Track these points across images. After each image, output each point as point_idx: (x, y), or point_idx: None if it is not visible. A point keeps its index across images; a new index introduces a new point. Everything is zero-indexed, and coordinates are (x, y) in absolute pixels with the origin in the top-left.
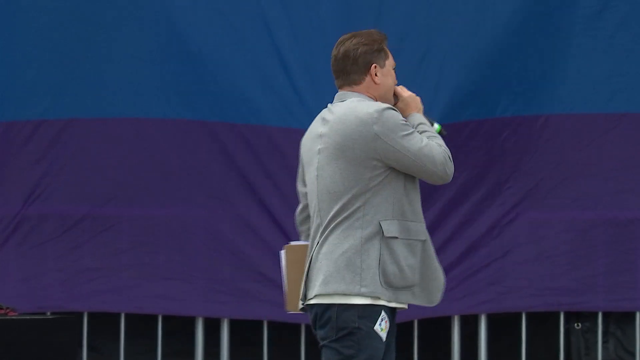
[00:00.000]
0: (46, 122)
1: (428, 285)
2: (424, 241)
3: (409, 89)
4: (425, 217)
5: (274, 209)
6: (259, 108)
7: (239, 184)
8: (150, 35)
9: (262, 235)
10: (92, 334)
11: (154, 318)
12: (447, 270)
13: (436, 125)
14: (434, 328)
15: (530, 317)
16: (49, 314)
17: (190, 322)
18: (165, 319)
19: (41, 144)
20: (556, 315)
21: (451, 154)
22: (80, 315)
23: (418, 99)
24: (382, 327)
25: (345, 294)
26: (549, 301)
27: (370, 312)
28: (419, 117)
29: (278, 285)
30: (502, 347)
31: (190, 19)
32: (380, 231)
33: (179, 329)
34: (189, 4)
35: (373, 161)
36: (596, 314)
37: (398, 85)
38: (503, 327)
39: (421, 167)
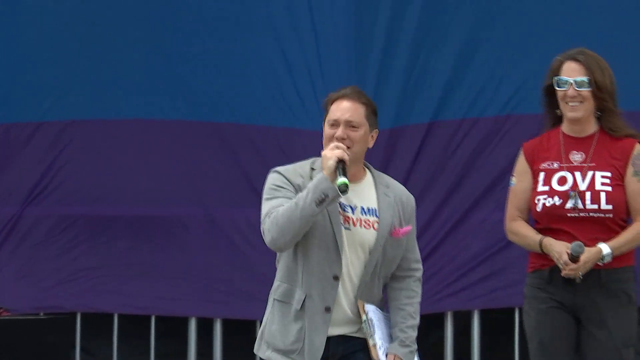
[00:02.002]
0: (46, 124)
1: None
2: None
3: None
4: (418, 215)
5: None
6: (265, 109)
7: (242, 184)
8: (154, 36)
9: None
10: (85, 336)
11: (147, 319)
12: (441, 267)
13: (340, 180)
14: (427, 324)
15: None
16: (42, 314)
17: (183, 323)
18: (159, 320)
19: (41, 145)
20: None
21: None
22: (73, 316)
23: (327, 157)
24: None
25: None
26: None
27: None
28: (313, 182)
29: None
30: (495, 343)
31: (196, 20)
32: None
33: (172, 330)
34: (195, 5)
35: None
36: None
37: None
38: (496, 323)
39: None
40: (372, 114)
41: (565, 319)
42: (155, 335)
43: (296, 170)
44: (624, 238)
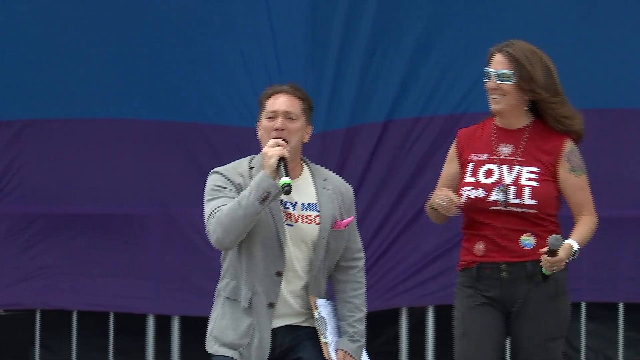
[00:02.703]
0: (4, 123)
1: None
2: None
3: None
4: (373, 215)
5: None
6: (222, 108)
7: (199, 183)
8: (113, 38)
9: None
10: (44, 332)
11: (105, 316)
12: (396, 264)
13: (283, 179)
14: (382, 320)
15: None
16: (1, 311)
17: (141, 320)
18: (117, 316)
19: (0, 144)
20: None
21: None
22: (32, 313)
23: (268, 155)
24: None
25: None
26: None
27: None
28: (255, 180)
29: None
30: (449, 339)
31: (155, 21)
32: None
33: (131, 327)
34: (154, 6)
35: None
36: None
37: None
38: (451, 319)
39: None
40: (308, 109)
41: (492, 315)
42: (114, 332)
43: (235, 169)
44: (585, 232)
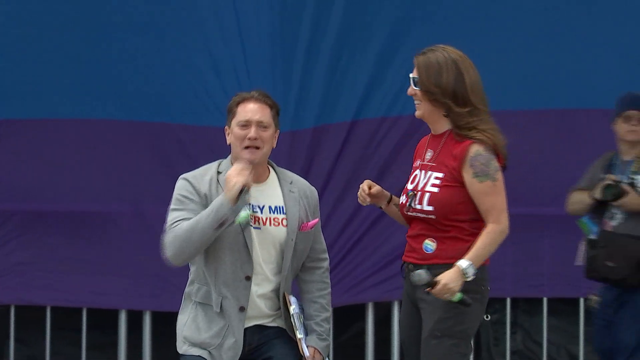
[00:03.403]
0: None
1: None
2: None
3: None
4: (340, 213)
5: None
6: (193, 108)
7: (171, 181)
8: (86, 37)
9: None
10: (19, 327)
11: (78, 312)
12: (362, 261)
13: (243, 215)
14: (349, 315)
15: None
16: None
17: (114, 315)
18: (90, 312)
19: None
20: None
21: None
22: (7, 308)
23: (231, 181)
24: None
25: None
26: None
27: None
28: (215, 205)
29: None
30: None
31: (125, 22)
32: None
33: (103, 322)
34: (125, 7)
35: None
36: (505, 306)
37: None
38: None
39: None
40: (277, 114)
41: (411, 312)
42: (87, 327)
43: (203, 177)
44: (481, 245)
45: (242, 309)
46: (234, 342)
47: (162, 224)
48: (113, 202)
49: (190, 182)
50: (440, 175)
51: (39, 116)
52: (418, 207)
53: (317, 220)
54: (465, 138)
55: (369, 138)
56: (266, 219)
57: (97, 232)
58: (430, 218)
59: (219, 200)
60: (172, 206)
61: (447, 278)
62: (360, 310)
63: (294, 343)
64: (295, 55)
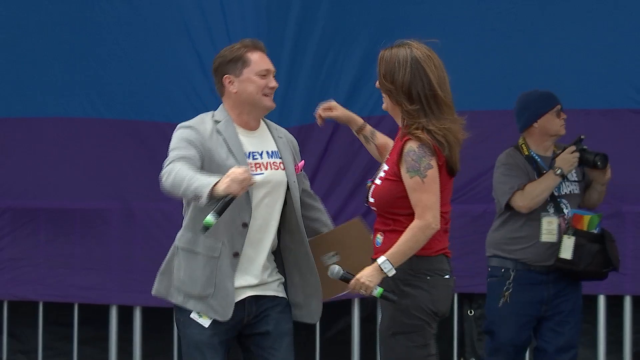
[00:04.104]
0: None
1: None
2: (214, 257)
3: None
4: (326, 209)
5: None
6: (180, 107)
7: (158, 179)
8: (73, 37)
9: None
10: (11, 322)
11: (70, 306)
12: None
13: (209, 218)
14: (335, 311)
15: None
16: None
17: (104, 310)
18: (81, 307)
19: None
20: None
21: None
22: (0, 304)
23: (230, 183)
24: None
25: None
26: None
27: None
28: (200, 184)
29: None
30: None
31: (113, 21)
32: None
33: (94, 317)
34: (112, 7)
35: None
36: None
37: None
38: None
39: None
40: None
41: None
42: (78, 322)
43: (204, 126)
44: (402, 239)
45: (235, 255)
46: (227, 288)
47: (150, 220)
48: (102, 199)
49: (197, 128)
50: (386, 168)
51: (28, 115)
52: (371, 200)
53: (303, 161)
54: (407, 135)
55: (354, 137)
56: (267, 164)
57: (87, 228)
58: (375, 210)
59: (207, 181)
60: (174, 145)
61: (362, 273)
62: (347, 306)
63: (288, 313)
64: (282, 54)
